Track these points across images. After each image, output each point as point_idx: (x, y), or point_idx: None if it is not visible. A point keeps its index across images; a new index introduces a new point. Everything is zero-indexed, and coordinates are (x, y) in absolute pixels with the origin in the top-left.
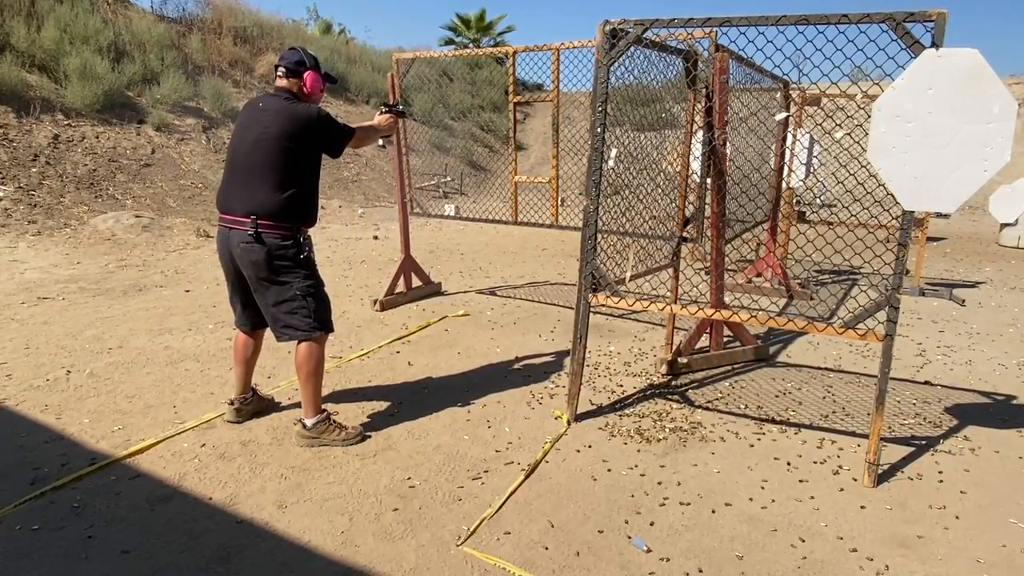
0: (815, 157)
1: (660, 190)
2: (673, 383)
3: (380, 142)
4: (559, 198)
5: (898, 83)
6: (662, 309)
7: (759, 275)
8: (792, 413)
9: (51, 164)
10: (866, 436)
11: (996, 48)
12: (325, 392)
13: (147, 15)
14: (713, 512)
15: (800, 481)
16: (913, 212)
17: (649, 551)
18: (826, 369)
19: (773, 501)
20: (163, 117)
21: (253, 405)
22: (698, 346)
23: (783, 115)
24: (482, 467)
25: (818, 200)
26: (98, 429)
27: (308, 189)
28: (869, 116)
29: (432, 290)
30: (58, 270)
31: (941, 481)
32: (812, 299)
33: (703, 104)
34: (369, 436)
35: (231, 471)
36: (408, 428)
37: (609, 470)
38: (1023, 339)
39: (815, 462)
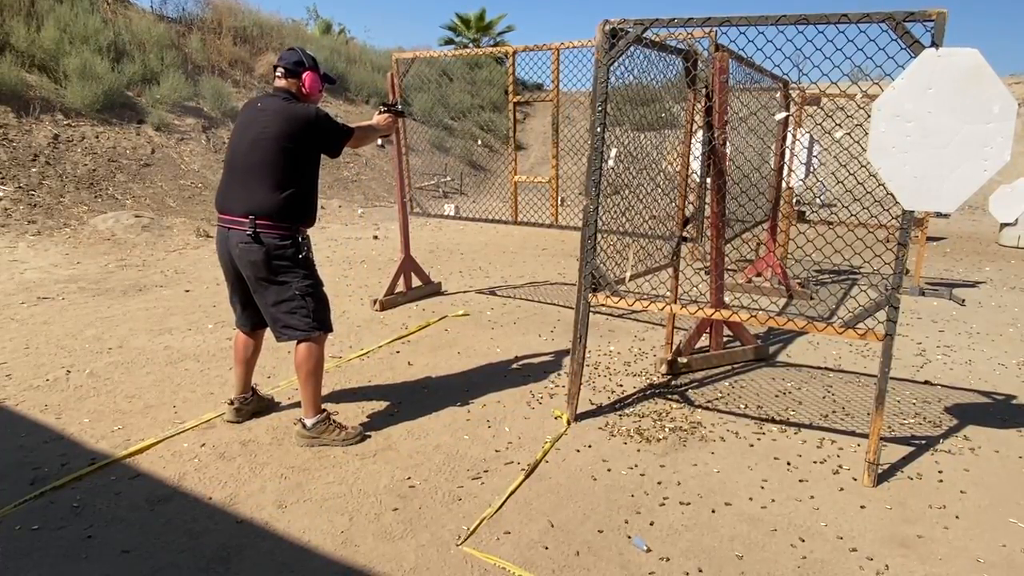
0: (815, 157)
1: (660, 190)
2: (673, 383)
3: (379, 142)
4: (559, 198)
5: (898, 83)
6: (662, 309)
7: (759, 275)
8: (792, 413)
9: (51, 164)
10: (866, 436)
11: (996, 48)
12: (325, 392)
13: (147, 15)
14: (713, 512)
15: (800, 481)
16: (913, 212)
17: (649, 551)
18: (826, 369)
19: (773, 501)
20: (163, 117)
21: (253, 405)
22: (698, 346)
23: (783, 115)
24: (482, 467)
25: (818, 200)
26: (98, 429)
27: (307, 189)
28: (869, 116)
29: (432, 290)
30: (58, 270)
31: (941, 481)
32: (812, 299)
33: (703, 104)
34: (369, 436)
35: (231, 471)
36: (408, 428)
37: (609, 470)
38: (1023, 339)
39: (815, 462)
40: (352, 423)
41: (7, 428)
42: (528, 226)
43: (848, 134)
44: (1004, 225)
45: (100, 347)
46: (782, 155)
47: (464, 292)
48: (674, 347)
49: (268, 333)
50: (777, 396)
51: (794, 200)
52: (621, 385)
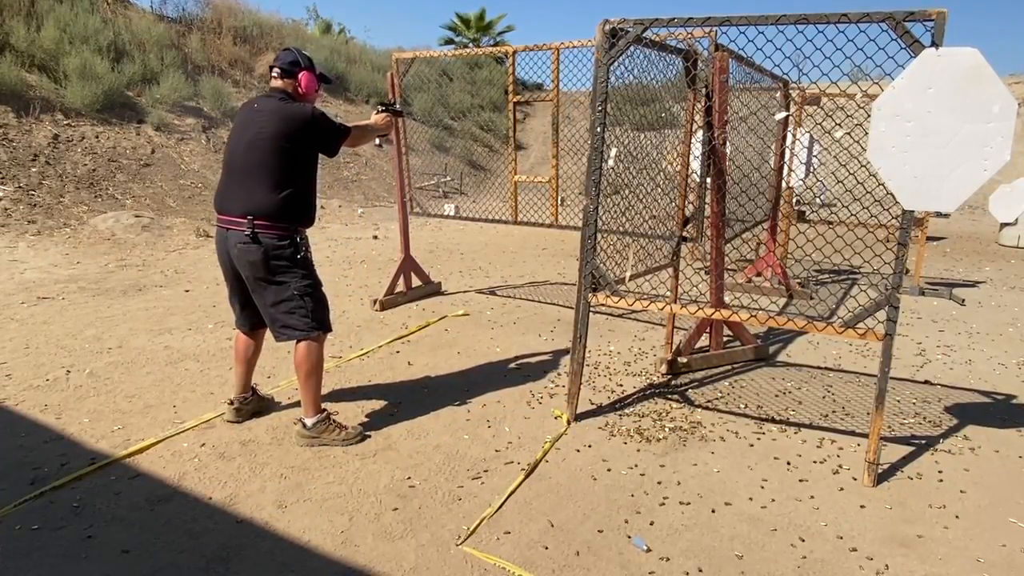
0: (815, 156)
1: (660, 190)
2: (673, 383)
3: (377, 141)
4: (559, 198)
5: (898, 82)
6: (662, 309)
7: (759, 275)
8: (792, 413)
9: (51, 164)
10: (866, 435)
11: (996, 48)
12: (325, 392)
13: (147, 15)
14: (713, 512)
15: (800, 480)
16: (913, 211)
17: (649, 551)
18: (826, 368)
19: (773, 501)
20: (163, 117)
21: (253, 405)
22: (698, 346)
23: (783, 114)
24: (482, 467)
25: (818, 199)
26: (98, 429)
27: (305, 189)
28: (869, 115)
29: (432, 290)
30: (58, 270)
31: (941, 480)
32: (812, 298)
33: (703, 103)
34: (369, 436)
35: (231, 471)
36: (408, 428)
37: (609, 470)
38: (1023, 339)
39: (815, 461)
40: (352, 423)
41: (7, 428)
42: (528, 226)
43: (848, 134)
44: (1004, 225)
45: (100, 347)
46: (782, 155)
47: (464, 292)
48: (674, 347)
49: (268, 333)
50: (777, 396)
51: (794, 200)
52: (621, 385)
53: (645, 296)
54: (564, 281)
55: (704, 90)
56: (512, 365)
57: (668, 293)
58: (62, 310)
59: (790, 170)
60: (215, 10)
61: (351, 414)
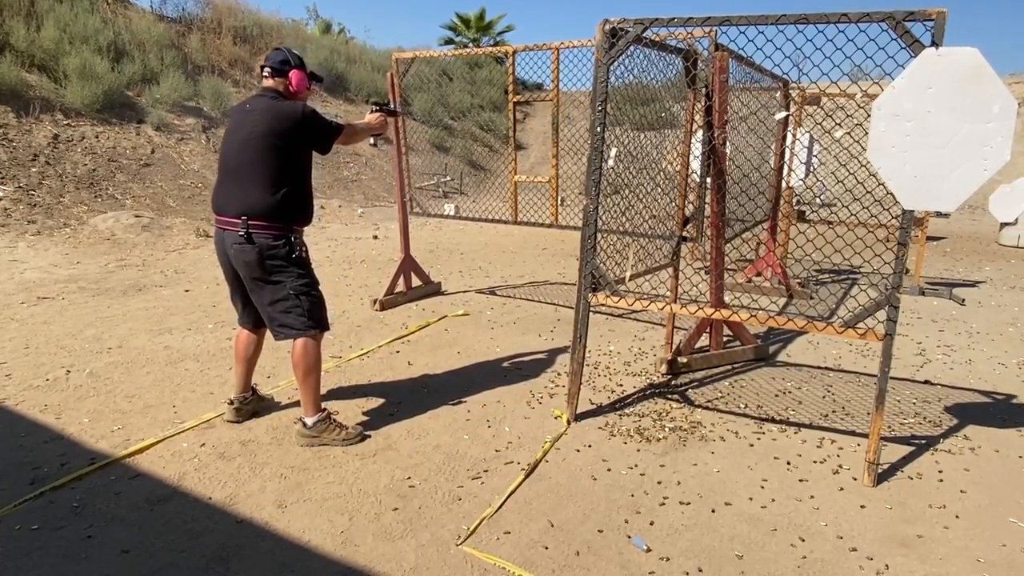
0: (815, 156)
1: (660, 189)
2: (673, 383)
3: (371, 140)
4: (559, 198)
5: (898, 82)
6: (662, 308)
7: (759, 274)
8: (792, 412)
9: (51, 164)
10: (866, 435)
11: (996, 48)
12: (324, 392)
13: (147, 15)
14: (713, 511)
15: (800, 480)
16: (913, 211)
17: (649, 550)
18: (826, 368)
19: (773, 500)
20: (163, 117)
21: (252, 405)
22: (698, 345)
23: (783, 114)
24: (482, 467)
25: (818, 199)
26: (98, 429)
27: (299, 187)
28: (869, 115)
29: (432, 290)
30: (58, 270)
31: (941, 480)
32: (812, 298)
33: (703, 103)
34: (369, 436)
35: (231, 471)
36: (408, 428)
37: (609, 470)
38: (1023, 338)
39: (815, 461)
40: (352, 423)
41: (7, 428)
42: (528, 226)
43: (848, 133)
44: (1004, 225)
45: (100, 347)
46: (782, 155)
47: (464, 292)
48: (674, 347)
49: (269, 333)
50: (777, 396)
51: (794, 200)
52: (621, 385)
53: (645, 296)
54: (564, 281)
55: (704, 90)
56: (512, 365)
57: (668, 293)
58: (62, 310)
59: (790, 170)
60: (215, 10)
61: (351, 414)
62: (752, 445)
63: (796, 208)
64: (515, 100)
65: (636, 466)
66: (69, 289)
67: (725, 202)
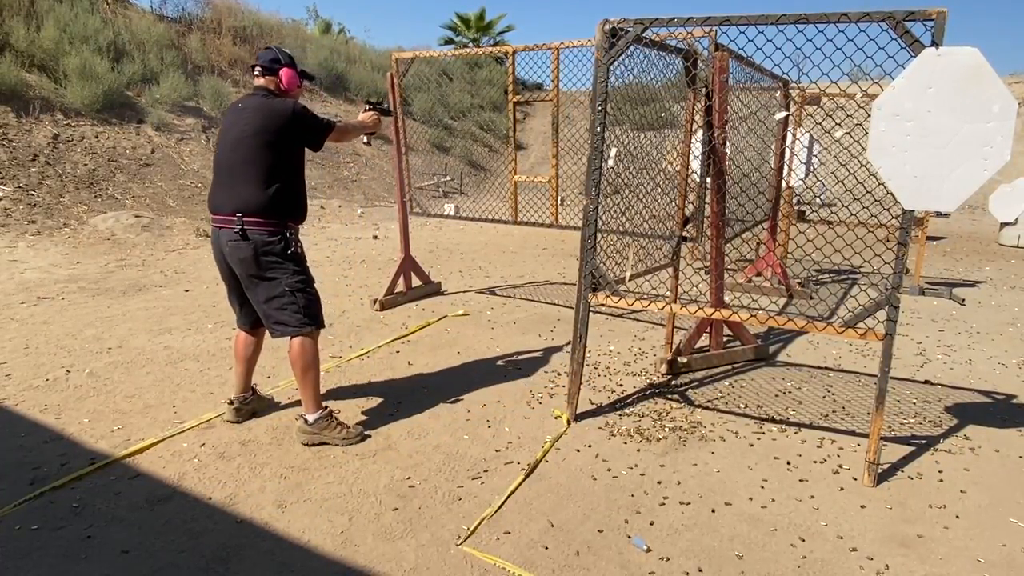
0: (815, 156)
1: (660, 189)
2: (673, 382)
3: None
4: (559, 198)
5: (898, 82)
6: (662, 308)
7: (759, 274)
8: (792, 412)
9: (51, 164)
10: (866, 435)
11: (996, 48)
12: (324, 392)
13: (146, 15)
14: (713, 511)
15: (800, 480)
16: (913, 211)
17: (649, 550)
18: (826, 368)
19: (773, 500)
20: (163, 117)
21: (252, 405)
22: (698, 345)
23: (783, 114)
24: (482, 467)
25: (818, 199)
26: (97, 429)
27: (292, 184)
28: (869, 115)
29: (432, 290)
30: (58, 270)
31: (941, 480)
32: (812, 298)
33: (703, 103)
34: (369, 436)
35: (231, 471)
36: (408, 428)
37: (609, 470)
38: (1023, 338)
39: (815, 461)
40: (352, 423)
41: (7, 428)
42: (528, 226)
43: (848, 133)
44: (1004, 224)
45: (100, 347)
46: (782, 155)
47: (464, 292)
48: (674, 347)
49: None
50: (777, 396)
51: (794, 200)
52: (621, 385)
53: (645, 296)
54: (564, 281)
55: (704, 90)
56: (512, 365)
57: (668, 293)
58: (62, 310)
59: (790, 170)
60: (215, 10)
61: (351, 414)
62: (752, 445)
63: (796, 208)
64: (515, 100)
65: (636, 466)
66: (69, 289)
67: (725, 202)
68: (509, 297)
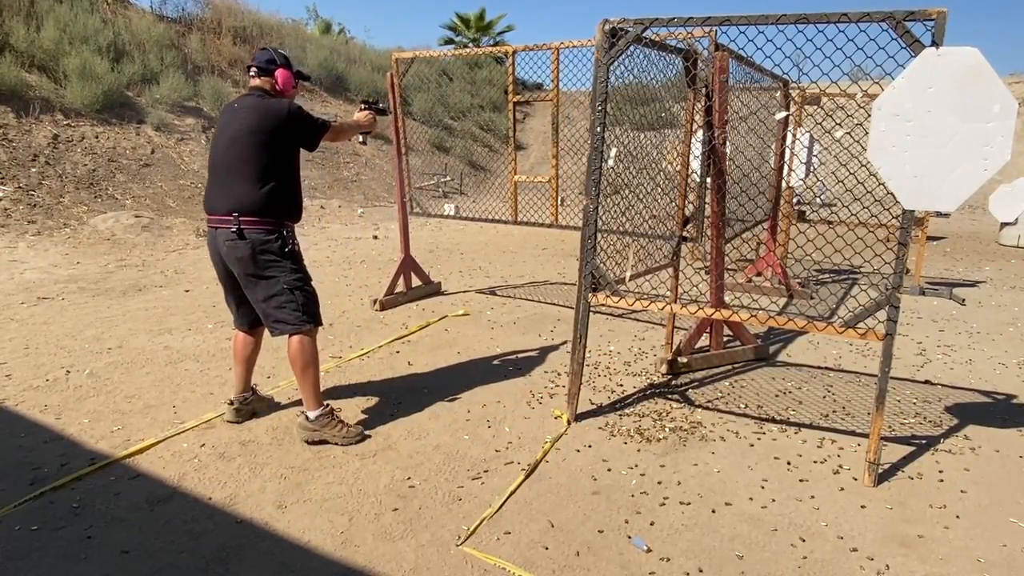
0: (815, 156)
1: (660, 189)
2: (673, 383)
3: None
4: (559, 198)
5: (898, 82)
6: (662, 308)
7: (759, 274)
8: (792, 412)
9: (51, 164)
10: (866, 435)
11: (996, 48)
12: (324, 392)
13: (146, 15)
14: (713, 512)
15: (800, 481)
16: (913, 211)
17: (649, 551)
18: (826, 368)
19: (773, 501)
20: (163, 117)
21: (252, 405)
22: (698, 345)
23: (783, 114)
24: (482, 467)
25: (818, 199)
26: (97, 429)
27: (287, 183)
28: (869, 115)
29: (432, 290)
30: (58, 270)
31: (941, 480)
32: (812, 298)
33: (703, 103)
34: (369, 436)
35: (231, 471)
36: (408, 428)
37: (609, 470)
38: (1023, 338)
39: (815, 461)
40: (352, 423)
41: (7, 428)
42: (528, 226)
43: (848, 133)
44: (1004, 224)
45: (100, 347)
46: (782, 155)
47: (464, 292)
48: (674, 347)
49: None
50: (777, 396)
51: (794, 200)
52: (621, 385)
53: (645, 296)
54: (564, 281)
55: (704, 90)
56: (512, 365)
57: (668, 293)
58: (62, 310)
59: (790, 170)
60: (215, 10)
61: (351, 414)
62: (752, 445)
63: (796, 208)
64: (515, 100)
65: (636, 466)
66: (69, 289)
67: (725, 202)
68: (509, 297)
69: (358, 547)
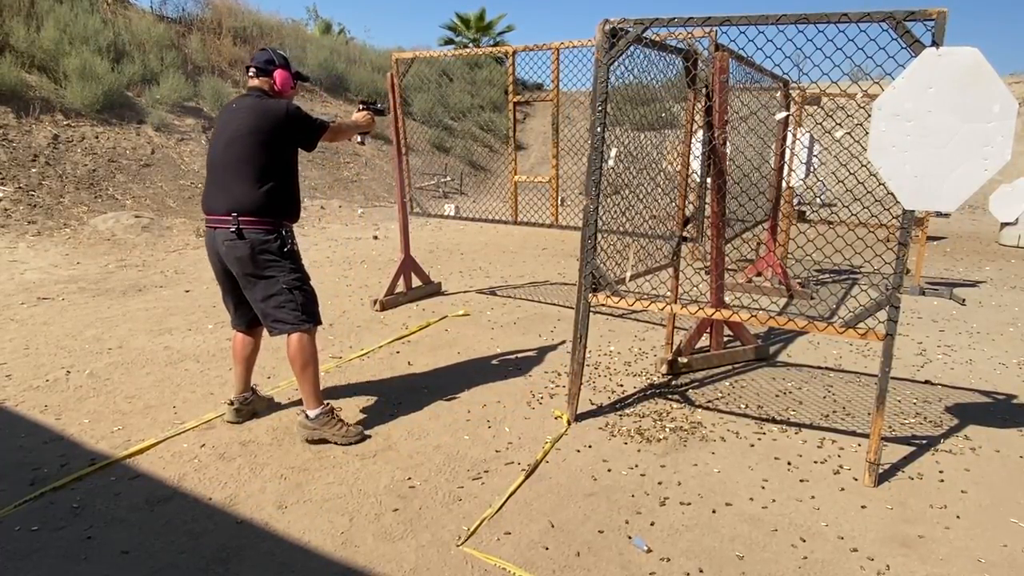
0: (815, 156)
1: (660, 190)
2: (673, 383)
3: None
4: (559, 198)
5: (898, 82)
6: (662, 309)
7: (759, 274)
8: (792, 413)
9: (51, 164)
10: (867, 436)
11: (996, 48)
12: (324, 391)
13: (147, 15)
14: (713, 512)
15: (801, 481)
16: (913, 211)
17: (649, 551)
18: (826, 368)
19: (774, 501)
20: (163, 117)
21: (253, 405)
22: (698, 346)
23: (783, 114)
24: (482, 467)
25: (818, 199)
26: (98, 429)
27: (285, 183)
28: (869, 115)
29: (432, 290)
30: (58, 270)
31: (942, 480)
32: (812, 298)
33: (703, 103)
34: (369, 436)
35: (231, 471)
36: (408, 428)
37: (609, 470)
38: (1023, 338)
39: (815, 462)
40: (352, 423)
41: (7, 428)
42: (528, 226)
43: (848, 133)
44: (1004, 224)
45: (100, 347)
46: (782, 155)
47: (464, 292)
48: (674, 347)
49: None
50: (777, 396)
51: (794, 200)
52: (621, 385)
53: (645, 296)
54: (564, 281)
55: (704, 90)
56: (512, 365)
57: (668, 293)
58: (62, 310)
59: (790, 170)
60: (215, 10)
61: (351, 414)
62: (753, 445)
63: (796, 208)
64: (515, 100)
65: (636, 466)
66: (69, 290)
67: (725, 202)
68: (509, 297)
69: (358, 547)
